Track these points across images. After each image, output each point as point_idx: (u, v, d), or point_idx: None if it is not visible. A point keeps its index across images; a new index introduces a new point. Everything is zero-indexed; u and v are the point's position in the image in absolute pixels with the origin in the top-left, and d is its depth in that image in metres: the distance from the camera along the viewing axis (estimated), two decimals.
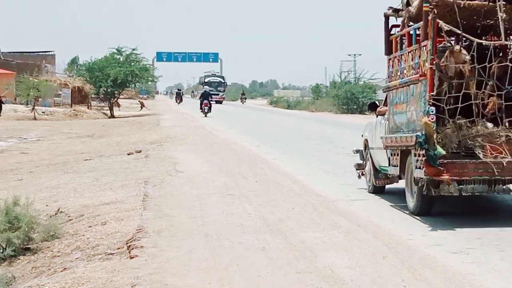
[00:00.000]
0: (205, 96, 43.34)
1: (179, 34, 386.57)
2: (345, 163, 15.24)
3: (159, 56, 74.74)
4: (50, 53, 69.13)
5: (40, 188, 13.37)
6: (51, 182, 14.19)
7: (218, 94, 74.15)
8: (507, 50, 9.43)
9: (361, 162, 11.54)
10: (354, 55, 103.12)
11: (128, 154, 18.89)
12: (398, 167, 9.49)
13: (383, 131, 10.42)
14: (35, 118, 39.23)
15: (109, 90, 44.77)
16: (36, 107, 40.90)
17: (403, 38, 9.88)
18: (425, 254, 7.13)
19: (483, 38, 9.46)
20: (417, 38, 9.29)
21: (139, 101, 58.66)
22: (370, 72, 63.62)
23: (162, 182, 12.62)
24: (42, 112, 41.97)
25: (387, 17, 10.32)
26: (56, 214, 10.70)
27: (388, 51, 10.47)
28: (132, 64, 44.81)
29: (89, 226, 9.64)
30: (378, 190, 10.92)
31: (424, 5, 8.88)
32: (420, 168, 8.41)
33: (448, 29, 8.84)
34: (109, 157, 18.96)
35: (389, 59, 10.56)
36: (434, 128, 8.38)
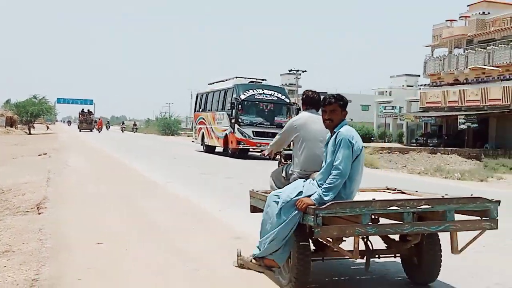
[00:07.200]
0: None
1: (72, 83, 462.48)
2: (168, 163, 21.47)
3: (59, 100, 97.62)
4: None
5: None
6: None
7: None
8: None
9: None
10: (171, 103, 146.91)
11: (39, 155, 22.48)
12: None
13: None
14: None
15: (28, 119, 65.77)
16: None
17: None
18: None
19: None
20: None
21: (46, 125, 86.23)
22: (182, 113, 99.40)
23: (59, 171, 14.89)
24: None
25: None
26: None
27: None
28: (42, 104, 66.89)
29: (14, 196, 11.19)
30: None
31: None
32: None
33: None
34: (27, 157, 22.67)
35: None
36: None
